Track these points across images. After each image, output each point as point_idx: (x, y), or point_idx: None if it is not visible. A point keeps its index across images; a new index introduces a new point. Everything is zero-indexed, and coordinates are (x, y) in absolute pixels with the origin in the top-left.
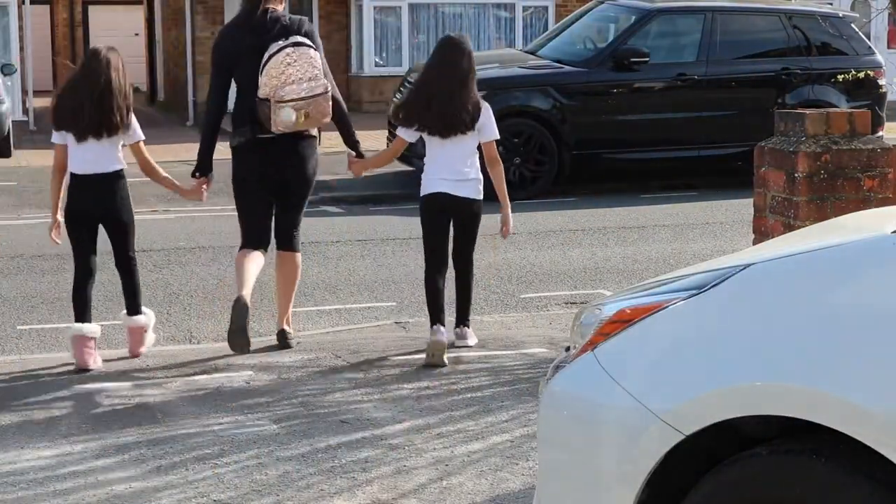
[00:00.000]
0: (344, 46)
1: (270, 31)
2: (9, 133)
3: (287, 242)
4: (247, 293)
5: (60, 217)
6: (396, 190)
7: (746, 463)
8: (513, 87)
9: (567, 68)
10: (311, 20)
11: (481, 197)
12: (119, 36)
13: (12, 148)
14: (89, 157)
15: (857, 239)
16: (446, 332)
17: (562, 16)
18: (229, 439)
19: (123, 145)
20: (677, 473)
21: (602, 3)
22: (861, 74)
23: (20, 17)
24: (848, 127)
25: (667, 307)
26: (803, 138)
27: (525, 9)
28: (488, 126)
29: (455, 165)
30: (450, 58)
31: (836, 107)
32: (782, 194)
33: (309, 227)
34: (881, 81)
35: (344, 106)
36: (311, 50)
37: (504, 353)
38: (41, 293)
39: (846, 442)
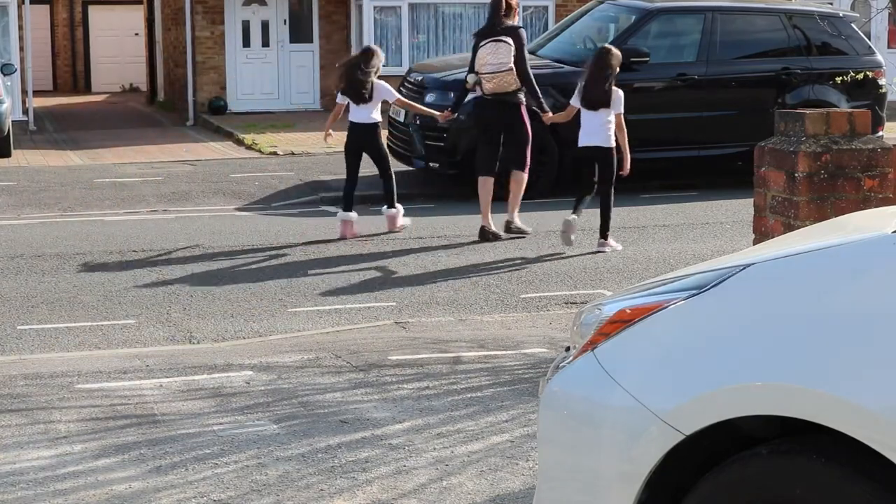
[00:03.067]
0: (344, 46)
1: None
2: (9, 133)
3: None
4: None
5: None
6: (396, 190)
7: (746, 463)
8: None
9: (567, 68)
10: (311, 20)
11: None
12: (119, 36)
13: (12, 148)
14: (359, 112)
15: (857, 239)
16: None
17: (562, 16)
18: (229, 439)
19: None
20: (677, 473)
21: (602, 2)
22: (861, 75)
23: (20, 17)
24: (848, 127)
25: (667, 307)
26: (803, 138)
27: (525, 9)
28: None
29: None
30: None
31: (836, 107)
32: (782, 194)
33: (309, 227)
34: (881, 81)
35: (530, 81)
36: (505, 44)
37: (504, 353)
38: (41, 293)
39: (846, 442)
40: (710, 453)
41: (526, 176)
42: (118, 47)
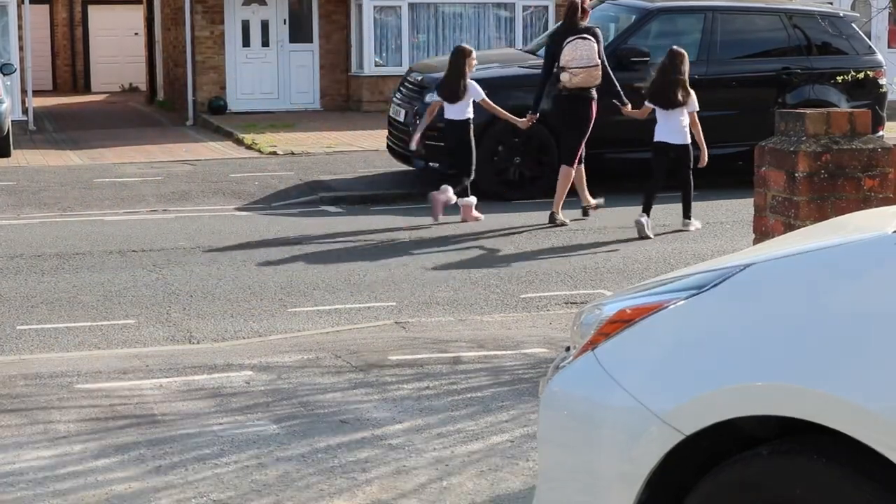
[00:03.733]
0: (344, 46)
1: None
2: (8, 133)
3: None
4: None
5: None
6: (396, 190)
7: (746, 463)
8: (513, 86)
9: None
10: (311, 20)
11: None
12: (119, 36)
13: (12, 148)
14: (452, 110)
15: (857, 239)
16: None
17: (562, 16)
18: (229, 439)
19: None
20: (677, 473)
21: (602, 2)
22: (861, 74)
23: (20, 17)
24: (848, 127)
25: (667, 307)
26: (803, 138)
27: (525, 9)
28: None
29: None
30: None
31: (836, 106)
32: (782, 194)
33: (309, 227)
34: (881, 81)
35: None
36: (589, 42)
37: (504, 353)
38: (41, 293)
39: (846, 442)
40: (711, 453)
41: (573, 171)
42: (118, 47)
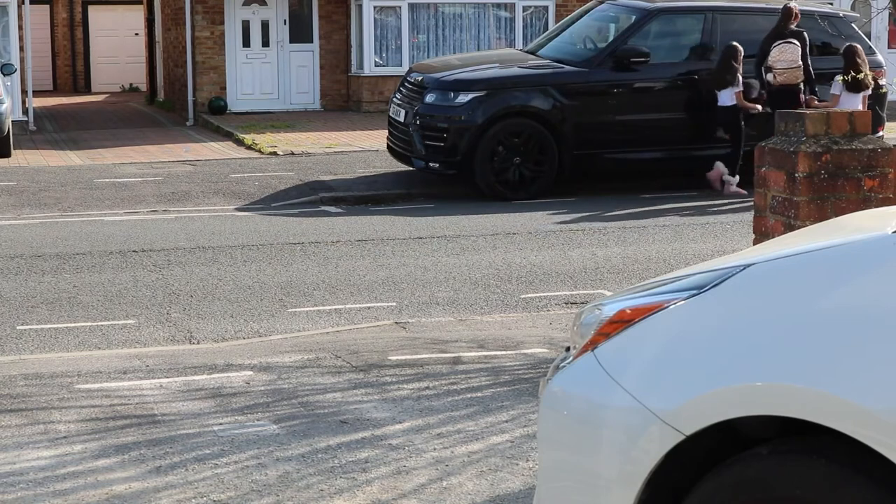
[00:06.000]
0: (344, 46)
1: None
2: (8, 133)
3: None
4: None
5: None
6: (396, 190)
7: (747, 463)
8: (513, 87)
9: (567, 68)
10: (311, 20)
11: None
12: (119, 36)
13: (12, 148)
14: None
15: (857, 239)
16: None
17: (562, 16)
18: (229, 439)
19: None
20: (677, 473)
21: (602, 2)
22: (861, 74)
23: (20, 17)
24: (848, 127)
25: (667, 307)
26: (803, 138)
27: (525, 9)
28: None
29: None
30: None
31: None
32: (783, 194)
33: (309, 227)
34: (881, 81)
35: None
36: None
37: (504, 353)
38: (41, 293)
39: (846, 442)
40: (711, 453)
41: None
42: (118, 47)
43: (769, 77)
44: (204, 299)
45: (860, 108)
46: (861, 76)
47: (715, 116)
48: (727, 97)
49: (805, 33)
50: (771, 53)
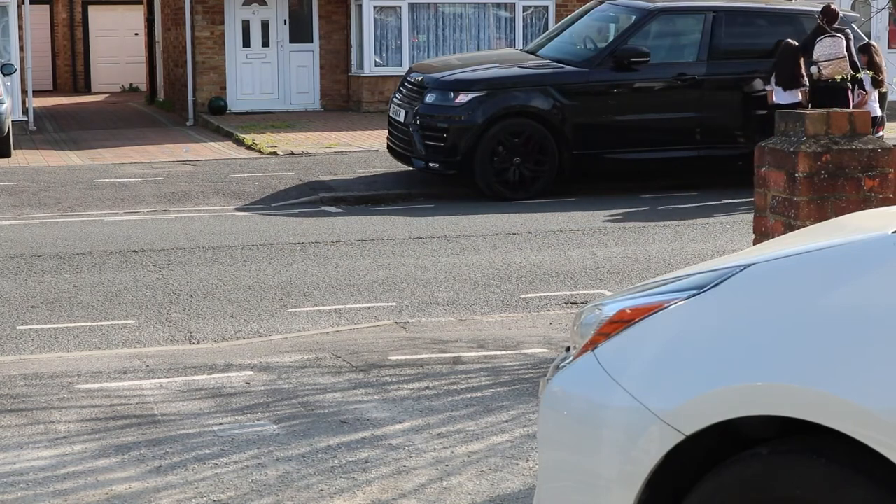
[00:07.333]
0: (344, 46)
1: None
2: (8, 133)
3: None
4: None
5: None
6: (396, 190)
7: (746, 463)
8: (513, 87)
9: (567, 68)
10: (311, 20)
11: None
12: (119, 36)
13: (12, 148)
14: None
15: (857, 239)
16: None
17: (562, 16)
18: (229, 439)
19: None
20: (677, 473)
21: (602, 2)
22: (861, 74)
23: (20, 17)
24: (848, 127)
25: (667, 307)
26: (803, 138)
27: (525, 9)
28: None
29: None
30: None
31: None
32: (782, 194)
33: (309, 227)
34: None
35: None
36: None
37: (504, 353)
38: (41, 293)
39: (846, 442)
40: (711, 453)
41: None
42: (118, 47)
43: (813, 70)
44: (204, 299)
45: (877, 106)
46: (881, 77)
47: (750, 115)
48: (790, 95)
49: (849, 31)
50: (815, 48)
